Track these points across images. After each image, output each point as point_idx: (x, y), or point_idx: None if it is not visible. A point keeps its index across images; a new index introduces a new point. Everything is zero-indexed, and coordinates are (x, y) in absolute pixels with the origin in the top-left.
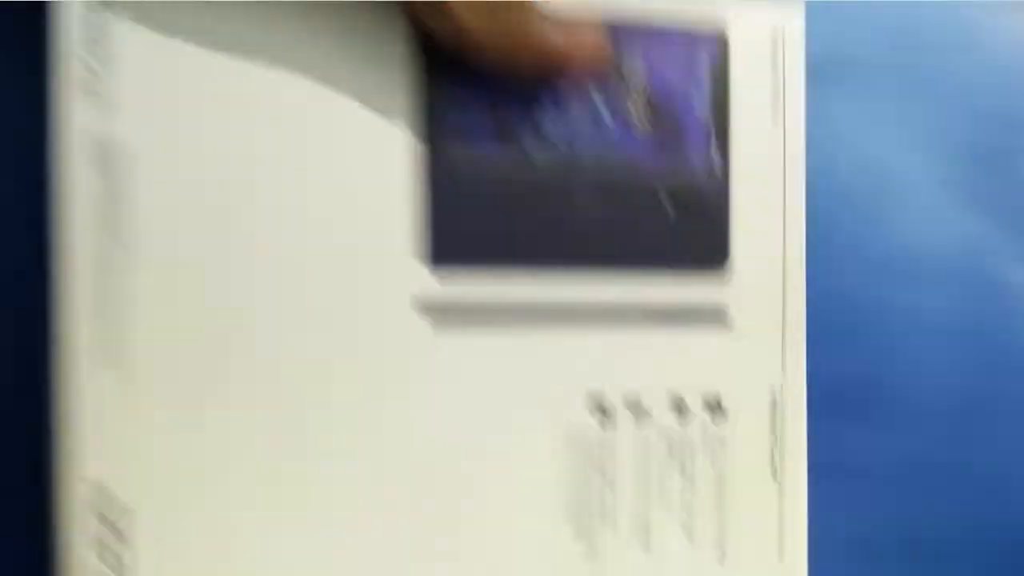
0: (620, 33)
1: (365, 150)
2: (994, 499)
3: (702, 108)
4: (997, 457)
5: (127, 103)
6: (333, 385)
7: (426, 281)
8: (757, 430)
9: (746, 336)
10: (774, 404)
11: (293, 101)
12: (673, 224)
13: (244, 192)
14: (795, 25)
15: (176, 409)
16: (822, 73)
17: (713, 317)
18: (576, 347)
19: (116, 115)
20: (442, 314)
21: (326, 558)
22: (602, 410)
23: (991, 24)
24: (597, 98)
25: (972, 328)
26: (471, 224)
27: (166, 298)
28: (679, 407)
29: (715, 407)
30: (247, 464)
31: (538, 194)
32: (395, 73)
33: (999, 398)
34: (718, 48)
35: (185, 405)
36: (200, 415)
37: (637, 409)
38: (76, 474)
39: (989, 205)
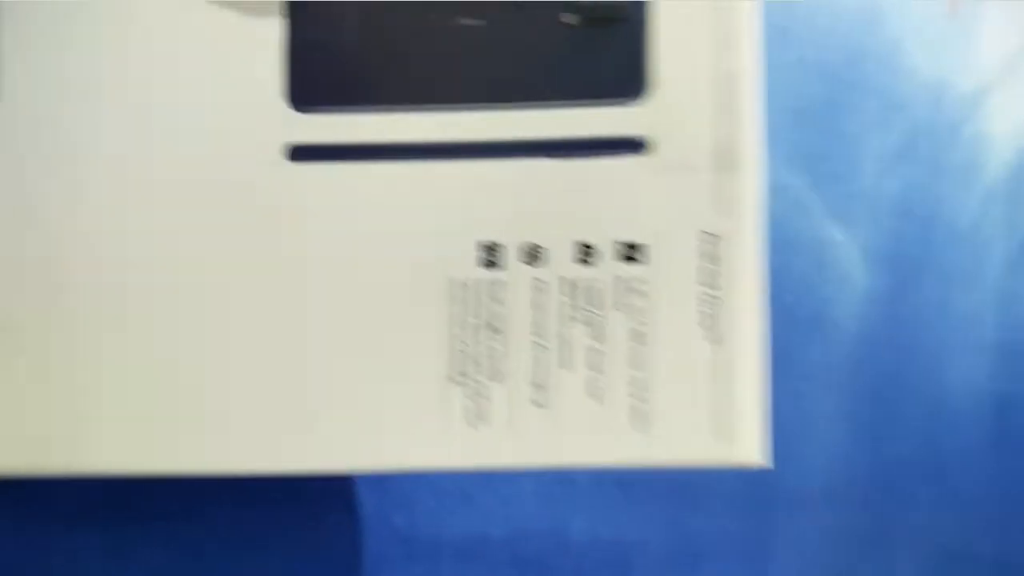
0: None
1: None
2: None
3: None
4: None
5: None
6: (205, 231)
7: (297, 124)
8: (686, 282)
9: (670, 172)
10: (707, 252)
11: None
12: (579, 42)
13: (109, 47)
14: None
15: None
16: None
17: (629, 151)
18: (463, 186)
19: None
20: (314, 155)
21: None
22: (491, 253)
23: None
24: None
25: (782, 283)
26: (342, 63)
27: (35, 143)
28: (585, 252)
29: (630, 254)
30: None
31: (414, 25)
32: None
33: (801, 356)
34: None
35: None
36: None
37: (533, 253)
38: None
39: (807, 161)
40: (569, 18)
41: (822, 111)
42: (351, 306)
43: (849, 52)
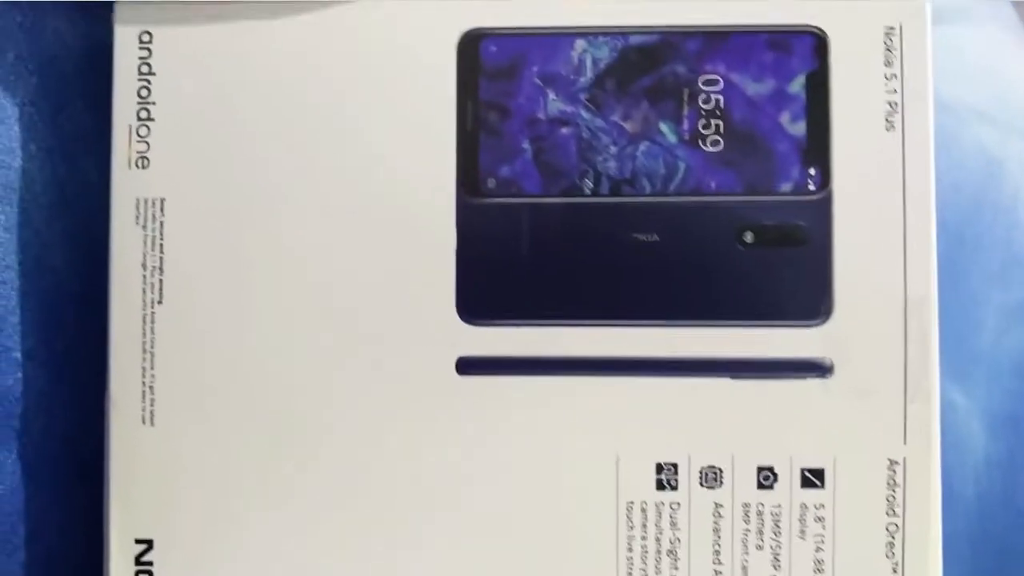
0: (686, 37)
1: (404, 200)
2: None
3: (795, 120)
4: None
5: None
6: (375, 447)
7: (466, 336)
8: (869, 509)
9: (854, 397)
10: (893, 479)
11: (327, 150)
12: (760, 261)
13: (274, 248)
14: (916, 18)
15: (200, 456)
16: None
17: (812, 374)
18: (640, 404)
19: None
20: (482, 368)
21: None
22: (669, 475)
23: (954, 132)
24: (659, 120)
25: None
26: (512, 276)
27: (197, 352)
28: (766, 475)
29: (812, 479)
30: (268, 512)
31: (593, 242)
32: (437, 121)
33: None
34: (815, 50)
35: (207, 452)
36: (226, 461)
37: (713, 476)
38: (118, 514)
39: None
40: (750, 236)
41: (945, 268)
42: (518, 527)
43: (971, 208)
